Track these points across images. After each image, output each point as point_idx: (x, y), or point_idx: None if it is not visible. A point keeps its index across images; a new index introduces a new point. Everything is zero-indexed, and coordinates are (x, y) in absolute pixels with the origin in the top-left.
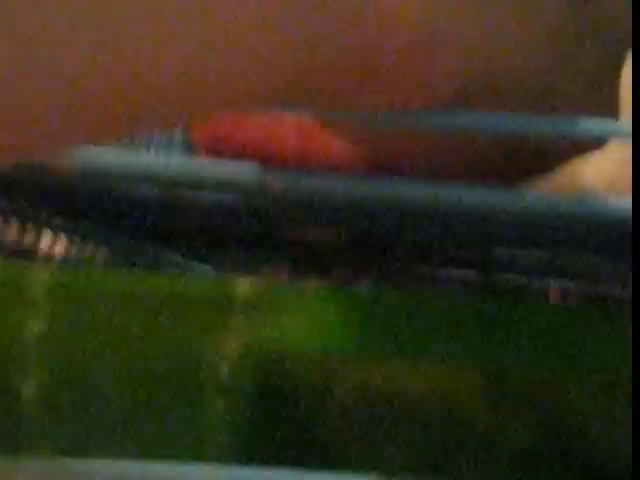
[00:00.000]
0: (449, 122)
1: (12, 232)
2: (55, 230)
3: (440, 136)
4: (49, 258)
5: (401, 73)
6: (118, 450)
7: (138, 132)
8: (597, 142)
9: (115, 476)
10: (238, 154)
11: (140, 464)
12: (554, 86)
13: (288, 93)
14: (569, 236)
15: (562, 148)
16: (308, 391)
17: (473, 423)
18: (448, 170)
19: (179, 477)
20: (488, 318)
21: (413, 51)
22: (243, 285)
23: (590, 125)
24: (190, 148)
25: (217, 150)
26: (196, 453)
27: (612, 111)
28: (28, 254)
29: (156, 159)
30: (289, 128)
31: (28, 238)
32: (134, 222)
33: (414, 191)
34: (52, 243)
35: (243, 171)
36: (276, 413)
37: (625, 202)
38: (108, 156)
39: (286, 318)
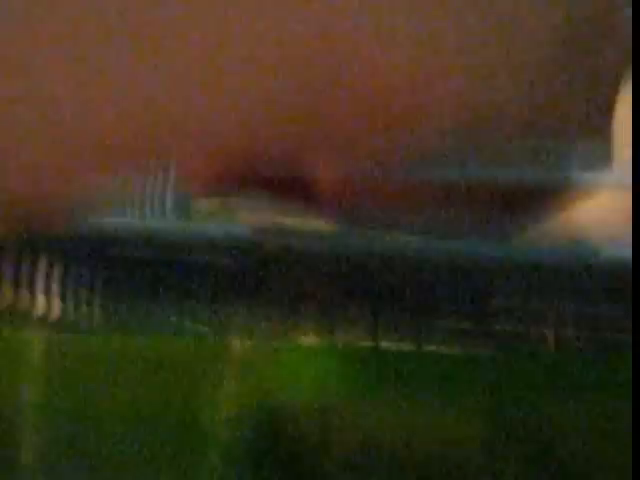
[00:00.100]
0: (439, 172)
1: (6, 295)
2: (50, 293)
3: (429, 187)
4: (44, 321)
5: (389, 123)
6: None
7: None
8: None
9: None
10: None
11: None
12: (546, 127)
13: (273, 144)
14: (565, 284)
15: (554, 196)
16: (307, 444)
17: (473, 470)
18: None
19: None
20: (486, 366)
21: (404, 94)
22: (240, 340)
23: (582, 174)
24: (184, 202)
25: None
26: None
27: (605, 151)
28: (22, 318)
29: (149, 222)
30: None
31: (22, 301)
32: (128, 282)
33: (409, 244)
34: (47, 306)
35: (236, 232)
36: (275, 466)
37: (619, 248)
38: (103, 218)
39: (283, 371)
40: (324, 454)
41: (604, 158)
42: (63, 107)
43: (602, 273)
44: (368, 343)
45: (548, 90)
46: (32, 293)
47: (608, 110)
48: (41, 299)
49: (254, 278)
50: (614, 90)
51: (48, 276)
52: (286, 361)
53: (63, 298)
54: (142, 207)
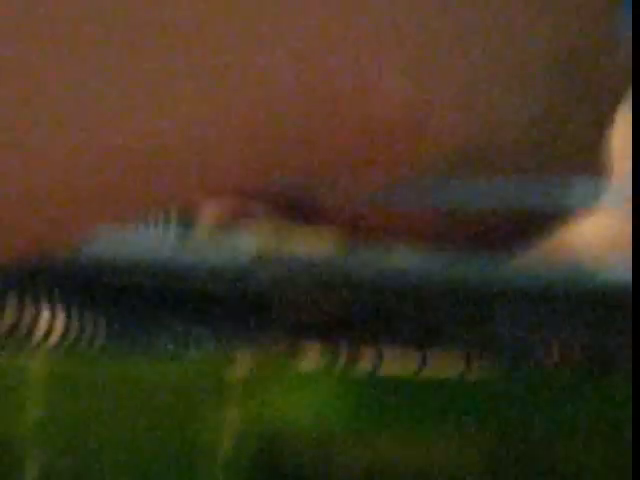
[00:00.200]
0: (433, 195)
1: (9, 316)
2: (52, 314)
3: (427, 214)
4: (46, 343)
5: (384, 149)
6: None
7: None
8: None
9: None
10: None
11: None
12: (544, 151)
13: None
14: (561, 308)
15: (551, 215)
16: (307, 471)
17: None
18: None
19: None
20: (487, 392)
21: (401, 127)
22: (240, 364)
23: (579, 191)
24: (187, 224)
25: None
26: None
27: (601, 174)
28: (25, 339)
29: (151, 249)
30: None
31: (25, 322)
32: (129, 309)
33: (409, 270)
34: (49, 328)
35: (236, 260)
36: None
37: (613, 271)
38: (104, 245)
39: (284, 399)
40: (326, 479)
41: (599, 185)
42: (67, 134)
43: (598, 296)
44: (369, 370)
45: (545, 119)
46: (34, 319)
47: (604, 138)
48: (42, 325)
49: (254, 305)
50: (611, 118)
51: (49, 303)
52: (287, 388)
53: (64, 325)
54: (144, 234)
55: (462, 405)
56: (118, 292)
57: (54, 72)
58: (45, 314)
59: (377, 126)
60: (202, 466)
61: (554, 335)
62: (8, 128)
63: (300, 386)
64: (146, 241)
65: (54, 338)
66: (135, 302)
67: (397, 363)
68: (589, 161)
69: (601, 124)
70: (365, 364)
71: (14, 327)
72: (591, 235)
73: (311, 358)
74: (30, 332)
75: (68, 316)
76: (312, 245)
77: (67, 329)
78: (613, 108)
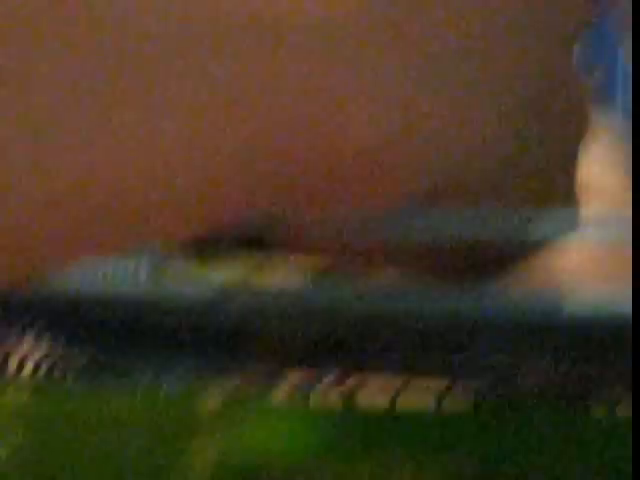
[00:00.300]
0: (405, 225)
1: None
2: (25, 347)
3: (399, 245)
4: (18, 375)
5: (354, 184)
6: None
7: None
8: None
9: None
10: None
11: None
12: (512, 181)
13: (237, 205)
14: (537, 339)
15: (522, 254)
16: None
17: None
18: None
19: None
20: (465, 425)
21: (367, 162)
22: (213, 396)
23: (553, 223)
24: (159, 264)
25: None
26: None
27: (569, 205)
28: None
29: (122, 283)
30: None
31: None
32: (103, 336)
33: (382, 302)
34: (21, 360)
35: (207, 293)
36: None
37: (589, 302)
38: (75, 274)
39: (258, 428)
40: None
41: (571, 218)
42: (46, 170)
43: (571, 328)
44: (344, 401)
45: (514, 151)
46: (6, 351)
47: (572, 171)
48: (14, 358)
49: (227, 337)
50: (576, 153)
51: (21, 335)
52: (260, 420)
53: (36, 358)
54: (117, 267)
55: (439, 437)
56: (90, 325)
57: (27, 112)
58: (17, 346)
59: (349, 164)
60: None
61: (535, 365)
62: None
63: (273, 418)
64: (119, 273)
65: (26, 371)
66: (108, 335)
67: (373, 393)
68: (558, 193)
69: (567, 158)
70: (340, 395)
71: None
72: (568, 266)
73: (284, 389)
74: (2, 364)
75: (41, 348)
76: (286, 276)
77: (39, 362)
78: (576, 145)
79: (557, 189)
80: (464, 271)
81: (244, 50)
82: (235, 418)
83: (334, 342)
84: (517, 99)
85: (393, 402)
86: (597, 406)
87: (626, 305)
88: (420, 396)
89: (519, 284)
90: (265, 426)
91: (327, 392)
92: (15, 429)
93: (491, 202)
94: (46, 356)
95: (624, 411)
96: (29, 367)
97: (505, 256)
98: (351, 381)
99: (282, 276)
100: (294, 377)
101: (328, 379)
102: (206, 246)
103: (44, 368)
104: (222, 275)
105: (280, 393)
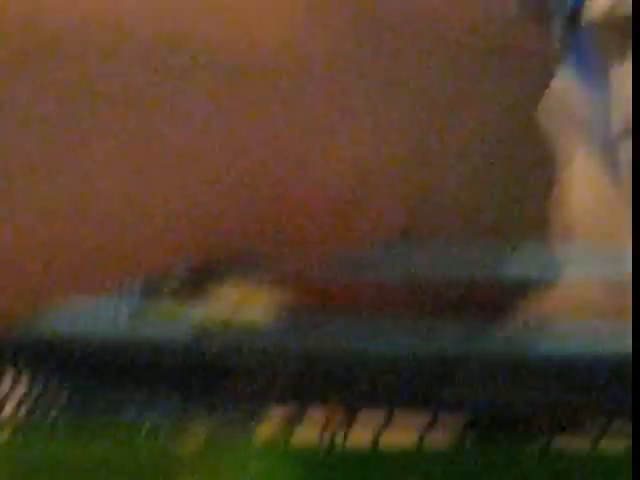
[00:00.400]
0: (388, 264)
1: None
2: (7, 385)
3: (377, 284)
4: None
5: (331, 220)
6: None
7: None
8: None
9: None
10: None
11: None
12: (488, 218)
13: (213, 244)
14: (522, 376)
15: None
16: None
17: None
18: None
19: None
20: (447, 462)
21: (342, 199)
22: (193, 436)
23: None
24: (150, 294)
25: None
26: None
27: (545, 243)
28: None
29: (106, 318)
30: None
31: None
32: (86, 375)
33: (361, 339)
34: (3, 399)
35: (186, 331)
36: None
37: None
38: (59, 313)
39: (239, 467)
40: None
41: (547, 257)
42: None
43: (566, 364)
44: (326, 438)
45: (488, 189)
46: None
47: (548, 205)
48: None
49: (208, 375)
50: (548, 196)
51: (3, 374)
52: (241, 459)
53: (19, 396)
54: (99, 305)
55: (422, 476)
56: (71, 365)
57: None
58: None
59: (324, 196)
60: None
61: (522, 402)
62: None
63: (255, 457)
64: (101, 313)
65: (8, 409)
66: (89, 375)
67: (356, 431)
68: (538, 230)
69: (538, 201)
70: (322, 432)
71: None
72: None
73: (266, 428)
74: None
75: (21, 388)
76: (265, 312)
77: (21, 400)
78: (547, 188)
79: (531, 231)
80: (444, 307)
81: (223, 90)
82: (217, 458)
83: (315, 379)
84: (484, 143)
85: (376, 440)
86: (579, 439)
87: (609, 342)
88: (403, 432)
89: (503, 320)
90: (247, 466)
91: (309, 430)
92: None
93: (464, 241)
94: (26, 396)
95: (607, 443)
96: (9, 407)
97: (484, 293)
98: (333, 418)
99: (262, 312)
100: (276, 415)
101: (310, 416)
102: (186, 281)
103: (25, 408)
104: (202, 313)
105: (262, 432)
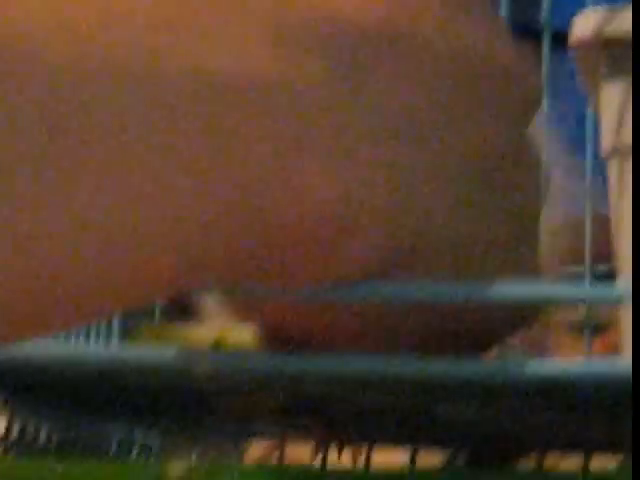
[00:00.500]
0: (372, 292)
1: None
2: None
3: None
4: None
5: (316, 249)
6: None
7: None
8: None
9: None
10: None
11: None
12: (471, 253)
13: (195, 274)
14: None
15: (500, 319)
16: None
17: None
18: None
19: None
20: None
21: (328, 228)
22: (179, 462)
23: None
24: (127, 333)
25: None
26: None
27: (536, 272)
28: None
29: (92, 345)
30: None
31: None
32: (72, 403)
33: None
34: None
35: (167, 355)
36: None
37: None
38: (43, 341)
39: None
40: None
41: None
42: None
43: (540, 391)
44: (313, 465)
45: (472, 220)
46: None
47: (531, 242)
48: None
49: (195, 402)
50: (534, 224)
51: None
52: None
53: (5, 425)
54: (86, 333)
55: None
56: (58, 391)
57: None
58: None
59: (305, 231)
60: None
61: (512, 424)
62: None
63: None
64: (88, 340)
65: None
66: (77, 402)
67: (343, 457)
68: (515, 264)
69: (525, 230)
70: (309, 459)
71: None
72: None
73: (252, 454)
74: None
75: (9, 416)
76: (252, 339)
77: (8, 430)
78: (535, 214)
79: (515, 263)
80: (429, 337)
81: (205, 118)
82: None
83: (302, 405)
84: (468, 171)
85: (366, 461)
86: (570, 459)
87: (597, 363)
88: (394, 453)
89: (491, 346)
90: None
91: (296, 455)
92: None
93: (449, 272)
94: (14, 423)
95: (598, 463)
96: None
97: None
98: (323, 440)
99: (249, 336)
100: (263, 440)
101: (298, 443)
102: (169, 311)
103: (12, 435)
104: (188, 339)
105: (250, 455)
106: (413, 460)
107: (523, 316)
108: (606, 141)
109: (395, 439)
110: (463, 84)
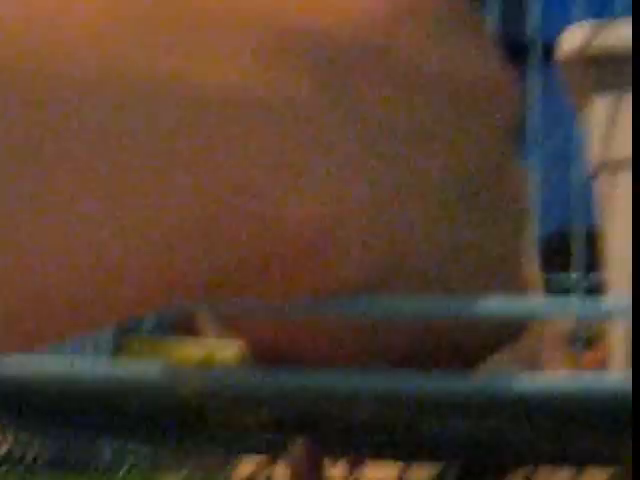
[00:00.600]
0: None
1: None
2: None
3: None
4: None
5: (303, 267)
6: None
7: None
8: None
9: None
10: None
11: None
12: (455, 269)
13: (186, 289)
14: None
15: (486, 333)
16: None
17: None
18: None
19: None
20: None
21: (316, 248)
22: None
23: (505, 305)
24: (118, 349)
25: None
26: None
27: (521, 288)
28: None
29: (82, 362)
30: None
31: None
32: (63, 420)
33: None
34: None
35: (155, 371)
36: None
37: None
38: (34, 357)
39: None
40: None
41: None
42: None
43: (530, 406)
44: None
45: (457, 236)
46: None
47: (516, 257)
48: None
49: (181, 417)
50: (518, 239)
51: None
52: None
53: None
54: (76, 349)
55: None
56: (49, 407)
57: None
58: None
59: (289, 247)
60: None
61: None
62: None
63: None
64: (78, 356)
65: None
66: (67, 418)
67: (333, 472)
68: (501, 281)
69: (509, 245)
70: (302, 470)
71: None
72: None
73: (242, 471)
74: None
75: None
76: (239, 356)
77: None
78: (519, 229)
79: (501, 280)
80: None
81: (191, 129)
82: None
83: (291, 422)
84: (450, 187)
85: (357, 477)
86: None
87: (587, 377)
88: (384, 468)
89: (478, 362)
90: None
91: (285, 473)
92: None
93: (435, 286)
94: (4, 440)
95: (590, 475)
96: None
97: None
98: (309, 460)
99: (235, 353)
100: (253, 457)
101: (287, 459)
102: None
103: (2, 452)
104: (177, 355)
105: (238, 474)
106: (403, 475)
107: (509, 332)
108: (594, 155)
109: (385, 454)
110: (444, 101)
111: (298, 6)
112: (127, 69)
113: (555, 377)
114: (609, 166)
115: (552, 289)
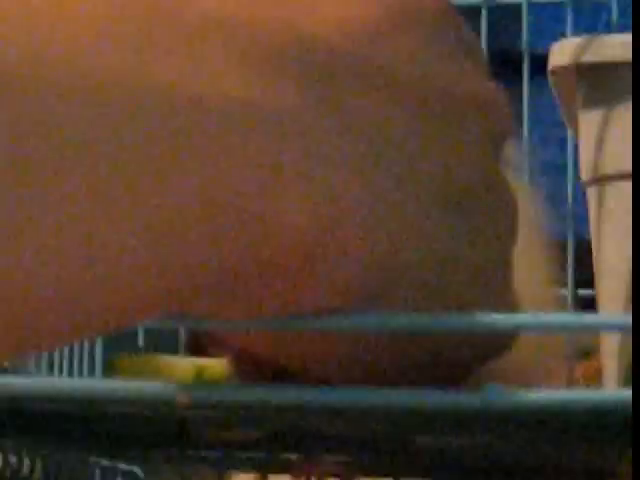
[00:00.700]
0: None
1: None
2: None
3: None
4: None
5: (302, 270)
6: None
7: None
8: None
9: None
10: None
11: None
12: (444, 280)
13: (181, 300)
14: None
15: (476, 346)
16: None
17: None
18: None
19: None
20: None
21: (314, 251)
22: None
23: (494, 319)
24: (108, 367)
25: None
26: None
27: (505, 306)
28: None
29: (56, 383)
30: None
31: None
32: (54, 436)
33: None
34: None
35: (145, 389)
36: None
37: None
38: (25, 371)
39: None
40: None
41: (505, 309)
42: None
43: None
44: None
45: (444, 249)
46: None
47: (505, 269)
48: None
49: (173, 431)
50: (508, 250)
51: None
52: None
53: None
54: (71, 362)
55: None
56: (41, 424)
57: None
58: None
59: (276, 259)
60: None
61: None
62: None
63: None
64: (68, 375)
65: None
66: (60, 434)
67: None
68: (490, 294)
69: (498, 258)
70: None
71: None
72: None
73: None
74: None
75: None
76: (228, 373)
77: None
78: (509, 244)
79: (490, 293)
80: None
81: (183, 136)
82: None
83: (283, 436)
84: (439, 198)
85: None
86: None
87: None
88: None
89: (469, 375)
90: None
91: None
92: None
93: (423, 299)
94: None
95: None
96: None
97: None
98: (306, 468)
99: (228, 367)
100: (245, 471)
101: (282, 471)
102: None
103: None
104: (169, 370)
105: None
106: None
107: (498, 344)
108: (585, 168)
109: (376, 469)
110: (434, 112)
111: (290, 15)
112: (125, 77)
113: (547, 391)
114: (600, 178)
115: None
